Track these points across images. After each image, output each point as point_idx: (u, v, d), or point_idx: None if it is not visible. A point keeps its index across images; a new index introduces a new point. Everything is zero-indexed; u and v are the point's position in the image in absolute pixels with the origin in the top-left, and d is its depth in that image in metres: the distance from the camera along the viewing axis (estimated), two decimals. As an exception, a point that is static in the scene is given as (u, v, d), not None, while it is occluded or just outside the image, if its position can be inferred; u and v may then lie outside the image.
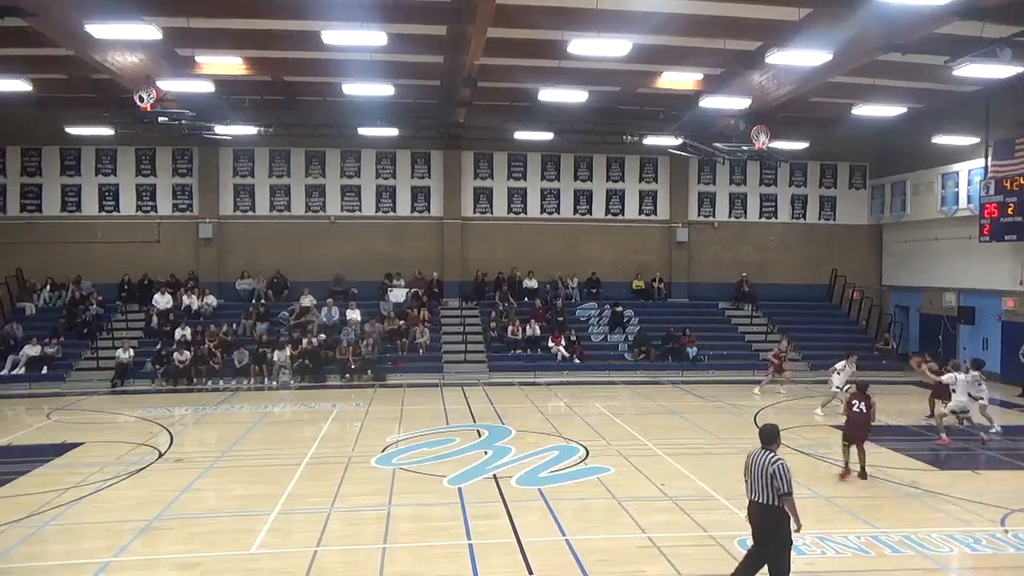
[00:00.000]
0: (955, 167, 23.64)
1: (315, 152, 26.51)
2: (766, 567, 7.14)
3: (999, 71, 15.90)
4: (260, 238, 26.29)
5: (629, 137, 24.33)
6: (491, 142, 26.09)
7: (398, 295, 25.62)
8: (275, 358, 21.74)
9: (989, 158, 21.55)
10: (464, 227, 27.01)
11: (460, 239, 26.93)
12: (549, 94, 19.81)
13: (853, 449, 11.85)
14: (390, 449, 13.73)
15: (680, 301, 27.33)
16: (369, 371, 22.12)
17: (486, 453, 13.34)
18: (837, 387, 17.16)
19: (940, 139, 23.02)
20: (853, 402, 12.01)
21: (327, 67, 20.27)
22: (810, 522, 7.68)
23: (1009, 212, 20.71)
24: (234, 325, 23.64)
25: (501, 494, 10.88)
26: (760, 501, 7.09)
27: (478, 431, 15.27)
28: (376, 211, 26.85)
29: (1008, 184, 20.72)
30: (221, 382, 21.39)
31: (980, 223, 21.80)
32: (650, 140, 24.19)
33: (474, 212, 27.16)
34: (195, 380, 21.34)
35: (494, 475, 11.86)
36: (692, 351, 24.02)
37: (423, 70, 20.98)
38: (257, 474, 12.08)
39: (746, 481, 7.33)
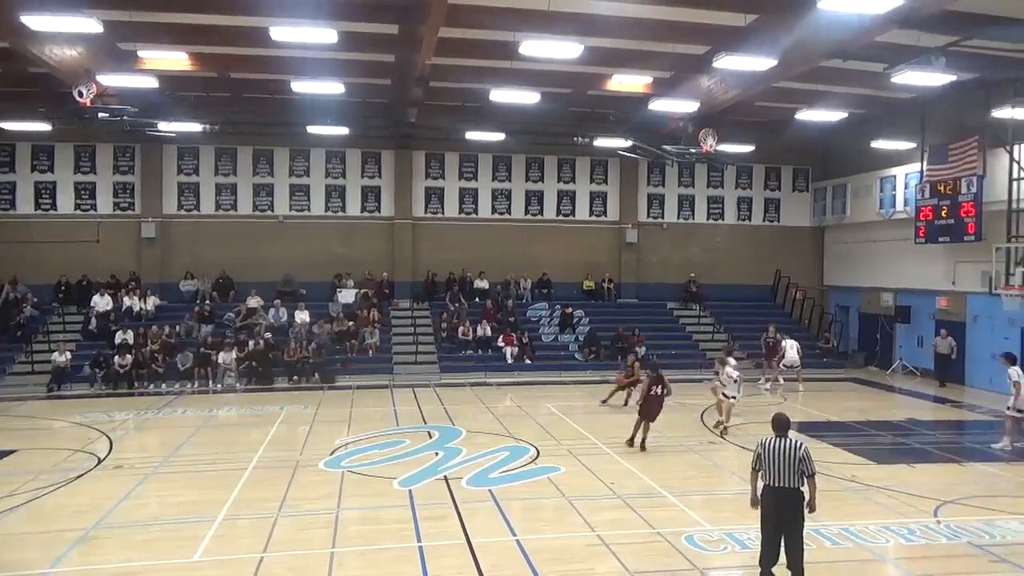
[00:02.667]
0: (893, 171, 24.46)
1: (263, 150, 26.05)
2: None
3: (934, 79, 16.56)
4: (205, 238, 25.70)
5: (580, 139, 24.55)
6: (443, 142, 26.02)
7: (348, 296, 25.35)
8: (220, 360, 21.27)
9: (924, 163, 22.37)
10: (415, 227, 26.87)
11: (411, 239, 26.79)
12: (501, 95, 19.84)
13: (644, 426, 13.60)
14: (339, 452, 13.57)
15: (629, 301, 27.66)
16: (317, 373, 21.82)
17: (437, 454, 13.29)
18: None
19: (879, 144, 23.79)
20: (653, 388, 13.65)
21: (276, 64, 19.93)
22: (755, 515, 7.84)
23: (943, 215, 21.53)
24: (177, 327, 23.04)
25: (452, 495, 10.85)
26: (784, 485, 7.45)
27: (428, 432, 15.20)
28: (326, 211, 26.52)
29: (942, 188, 21.53)
30: (164, 386, 20.84)
31: (916, 225, 22.61)
32: (600, 142, 24.44)
33: (425, 212, 27.04)
34: (136, 384, 20.75)
35: (445, 476, 11.82)
36: (641, 351, 24.26)
37: (374, 69, 20.79)
38: (201, 480, 11.81)
39: (762, 469, 7.61)
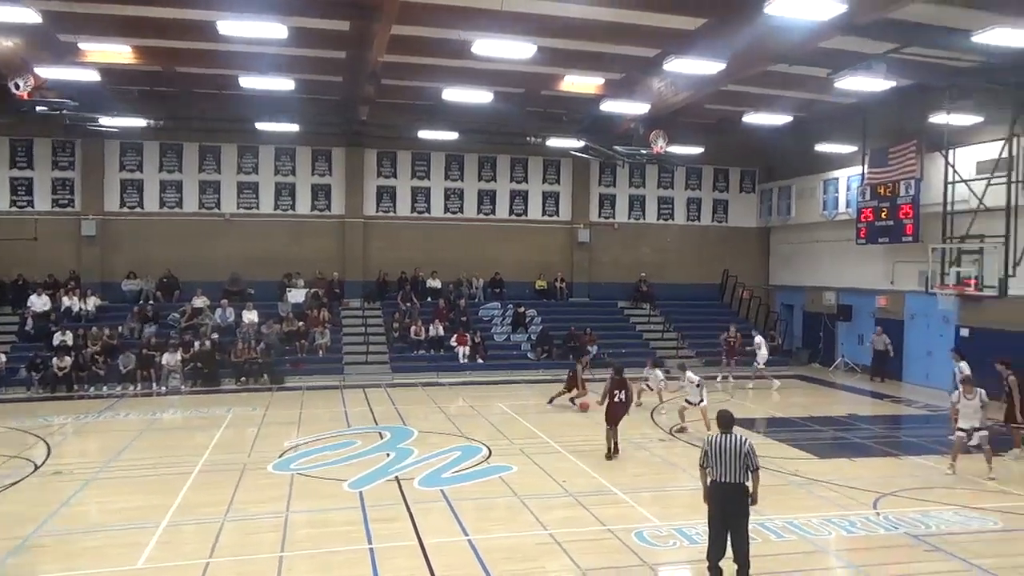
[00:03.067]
0: (836, 174, 25.17)
1: (210, 147, 25.46)
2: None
3: (874, 85, 17.10)
4: (149, 236, 24.99)
5: (532, 139, 24.67)
6: (395, 140, 25.83)
7: (297, 295, 24.96)
8: (164, 362, 20.73)
9: (865, 166, 23.06)
10: (366, 226, 26.62)
11: (362, 238, 26.52)
12: (453, 94, 19.80)
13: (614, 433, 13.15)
14: (288, 454, 13.36)
15: (581, 300, 27.88)
16: (266, 374, 21.44)
17: (388, 455, 13.20)
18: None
19: (822, 147, 24.45)
20: (614, 391, 13.16)
21: (223, 59, 19.54)
22: (704, 511, 8.00)
23: (882, 216, 22.24)
24: (119, 328, 22.39)
25: (403, 496, 10.79)
26: (730, 480, 7.65)
27: (380, 433, 15.08)
28: (275, 209, 26.07)
29: (882, 190, 22.24)
30: (105, 388, 20.23)
31: (857, 226, 23.30)
32: (553, 142, 24.59)
33: (377, 211, 26.81)
34: (76, 387, 20.09)
35: (396, 477, 11.75)
36: (593, 349, 24.52)
37: (325, 65, 20.54)
38: (144, 485, 11.50)
39: (710, 465, 7.78)
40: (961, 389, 12.53)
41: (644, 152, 23.48)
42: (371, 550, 8.77)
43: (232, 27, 14.76)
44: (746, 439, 7.75)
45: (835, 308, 25.62)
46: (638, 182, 28.90)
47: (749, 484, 7.71)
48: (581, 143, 24.63)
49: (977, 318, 19.90)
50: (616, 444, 13.26)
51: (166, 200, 25.29)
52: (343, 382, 21.61)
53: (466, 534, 9.28)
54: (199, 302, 23.63)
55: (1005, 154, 17.37)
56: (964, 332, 20.47)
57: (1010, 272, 16.94)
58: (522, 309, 26.06)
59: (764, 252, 29.92)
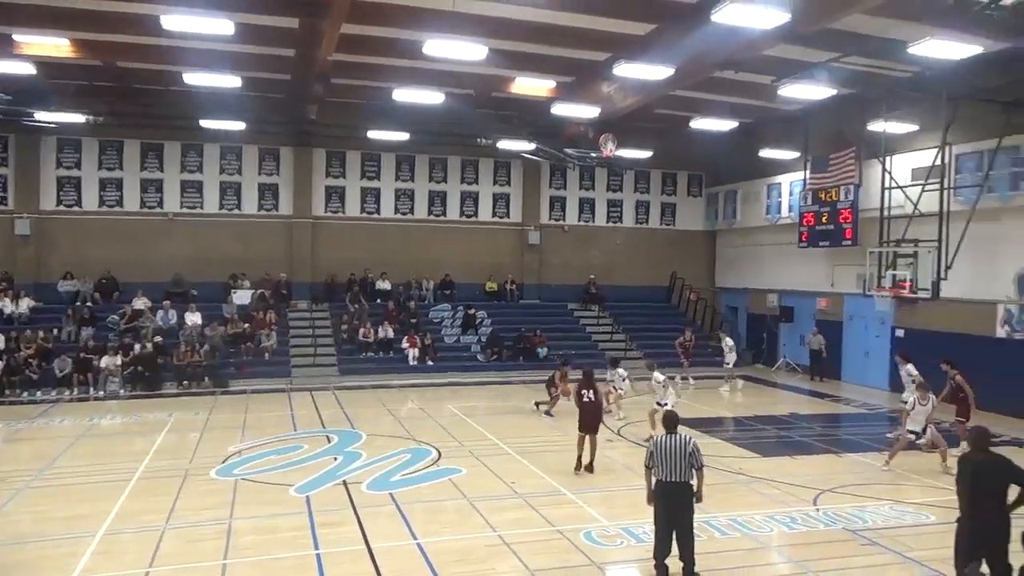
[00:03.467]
0: (779, 179, 25.80)
1: (152, 144, 24.75)
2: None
3: (816, 92, 17.64)
4: (87, 235, 24.17)
5: (483, 140, 24.66)
6: (344, 140, 25.54)
7: (243, 297, 24.44)
8: (103, 365, 20.08)
9: (807, 171, 23.69)
10: (315, 227, 26.24)
11: (310, 239, 26.13)
12: (404, 94, 19.64)
13: (588, 440, 12.29)
14: (232, 459, 13.08)
15: (531, 302, 27.98)
16: (209, 377, 20.94)
17: (335, 459, 13.04)
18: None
19: (766, 152, 25.03)
20: (582, 392, 12.39)
21: (167, 54, 19.01)
22: (650, 511, 8.11)
23: (823, 221, 22.88)
24: (55, 330, 21.60)
25: (351, 500, 10.67)
26: (676, 480, 7.82)
27: (327, 437, 14.88)
28: (220, 208, 25.49)
29: (823, 196, 22.89)
30: (39, 393, 19.48)
31: (799, 230, 23.93)
32: (504, 144, 24.63)
33: (325, 211, 26.46)
34: (8, 392, 19.32)
35: (344, 481, 11.61)
36: (542, 351, 24.67)
37: (273, 63, 20.18)
38: (80, 493, 11.12)
39: (656, 465, 7.92)
40: (917, 395, 12.96)
41: (594, 155, 23.70)
42: (318, 556, 8.65)
43: (177, 22, 14.37)
44: (690, 439, 7.96)
45: (778, 310, 26.26)
46: (588, 185, 29.16)
47: (694, 483, 7.88)
48: (532, 145, 24.73)
49: (912, 319, 20.65)
50: (590, 457, 12.23)
51: (106, 199, 24.50)
52: (290, 385, 21.25)
53: (415, 537, 9.22)
54: (140, 303, 22.93)
55: (938, 161, 18.03)
56: (899, 333, 21.22)
57: (942, 275, 17.57)
58: (472, 311, 26.03)
59: (710, 255, 30.48)
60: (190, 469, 12.37)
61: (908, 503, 10.88)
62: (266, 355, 22.69)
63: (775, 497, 11.15)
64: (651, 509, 8.07)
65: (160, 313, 22.86)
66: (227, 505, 10.47)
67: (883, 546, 9.14)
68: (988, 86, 17.06)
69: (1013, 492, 6.93)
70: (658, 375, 15.32)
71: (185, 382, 20.69)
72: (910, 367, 15.53)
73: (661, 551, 7.88)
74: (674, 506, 7.85)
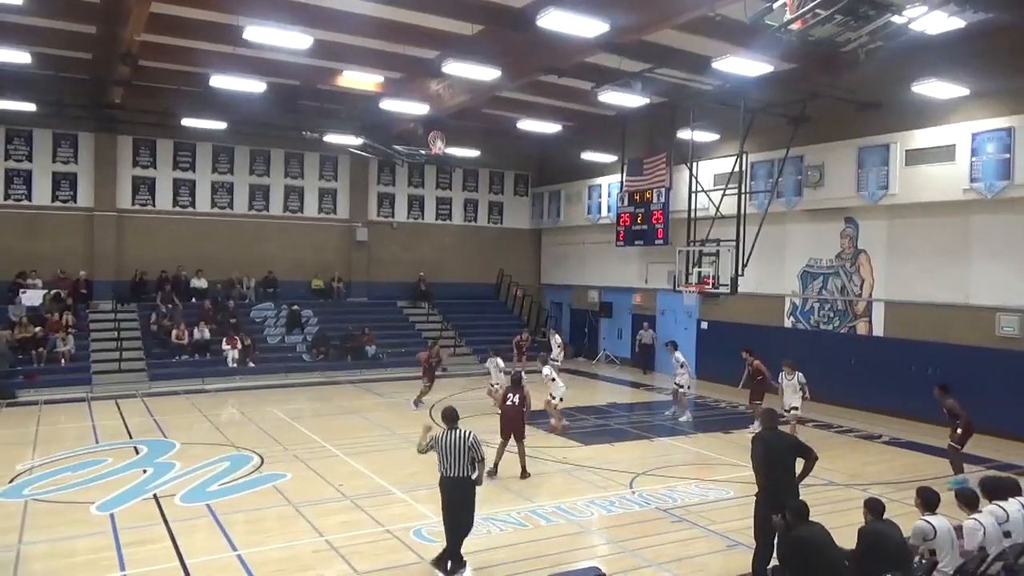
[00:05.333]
0: (599, 180, 27.15)
1: (-85, 123, 21.66)
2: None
3: (632, 100, 18.71)
4: None
5: (308, 133, 23.82)
6: (154, 127, 23.66)
7: (34, 297, 21.95)
8: None
9: (624, 174, 25.12)
10: (120, 220, 24.11)
11: (115, 234, 23.97)
12: (222, 81, 18.51)
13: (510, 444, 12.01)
14: (22, 478, 11.75)
15: (359, 300, 27.48)
16: (-7, 387, 18.67)
17: (145, 471, 12.09)
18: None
19: (588, 155, 26.22)
20: (508, 395, 12.25)
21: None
22: (478, 504, 8.26)
23: (638, 221, 24.37)
24: None
25: (163, 515, 9.94)
26: (457, 475, 7.96)
27: (135, 448, 13.75)
28: (5, 199, 22.73)
29: (637, 197, 24.37)
30: None
31: (616, 230, 25.32)
32: (330, 138, 23.93)
33: (133, 204, 24.37)
34: None
35: (154, 495, 10.79)
36: (371, 349, 24.32)
37: (71, 40, 18.27)
38: None
39: (440, 460, 8.01)
40: (784, 371, 14.57)
41: (423, 152, 23.67)
42: (124, 577, 8.00)
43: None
44: (470, 433, 8.14)
45: (598, 305, 27.66)
46: (417, 182, 29.08)
47: (475, 474, 8.15)
48: (360, 140, 24.26)
49: (715, 313, 22.56)
50: (520, 463, 11.86)
51: None
52: (90, 394, 19.40)
53: (235, 549, 8.77)
54: (-98, 305, 19.98)
55: (737, 168, 19.78)
56: (704, 325, 23.13)
57: (740, 272, 19.31)
58: (297, 309, 25.12)
59: (536, 252, 31.47)
60: (-32, 492, 10.96)
61: (710, 481, 11.87)
62: (62, 361, 20.56)
63: (595, 483, 11.75)
64: (486, 501, 8.21)
65: (-72, 316, 20.05)
66: (15, 530, 9.39)
67: (690, 521, 9.92)
68: (778, 101, 19.00)
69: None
70: (546, 370, 15.53)
71: (-39, 394, 18.28)
72: (677, 355, 17.34)
73: (451, 544, 8.15)
74: (456, 500, 8.05)
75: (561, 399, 15.40)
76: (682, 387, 17.03)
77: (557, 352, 22.06)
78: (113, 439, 14.53)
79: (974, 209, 16.27)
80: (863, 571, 6.46)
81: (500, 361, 17.85)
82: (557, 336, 23.42)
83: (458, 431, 8.09)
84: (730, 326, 21.67)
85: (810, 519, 6.67)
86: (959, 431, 11.81)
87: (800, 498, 7.13)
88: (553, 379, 15.39)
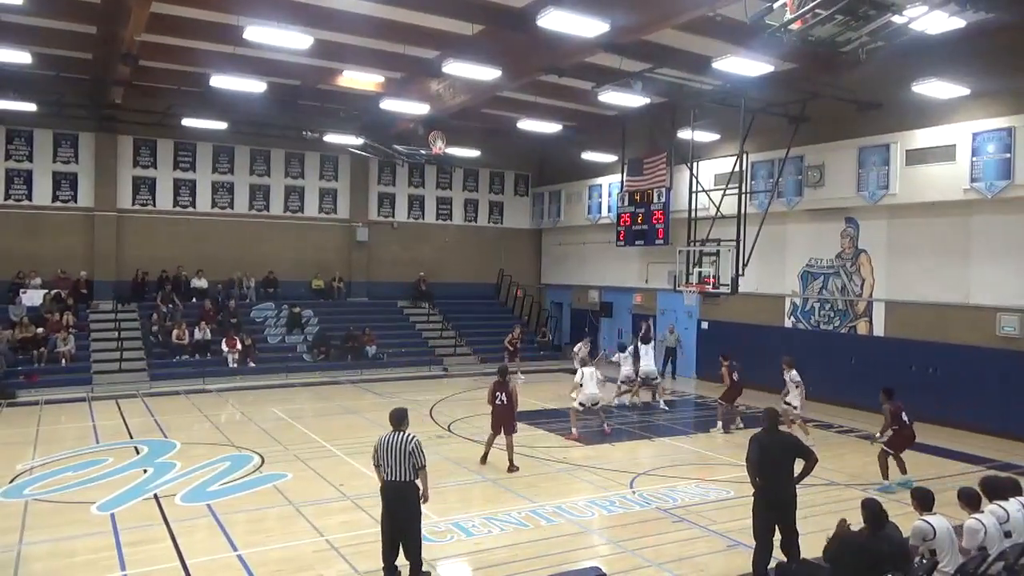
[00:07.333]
0: (599, 180, 27.14)
1: (-84, 123, 21.66)
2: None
3: (632, 100, 18.70)
4: None
5: (309, 133, 23.83)
6: (155, 128, 23.62)
7: (34, 297, 21.97)
8: None
9: (624, 174, 25.12)
10: (120, 220, 24.10)
11: (115, 234, 23.96)
12: (222, 81, 18.51)
13: (499, 439, 12.33)
14: (23, 478, 11.75)
15: (360, 300, 27.46)
16: (-7, 387, 18.67)
17: (145, 471, 12.09)
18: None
19: (588, 155, 26.21)
20: (497, 393, 12.38)
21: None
22: (479, 504, 8.26)
23: (639, 221, 24.36)
24: None
25: (163, 515, 9.94)
26: (399, 479, 7.60)
27: (136, 448, 13.75)
28: (6, 199, 22.72)
29: (638, 197, 24.36)
30: None
31: (617, 230, 25.31)
32: (331, 138, 23.94)
33: (133, 204, 24.36)
34: None
35: (155, 495, 10.79)
36: (371, 349, 24.32)
37: (72, 40, 18.26)
38: None
39: (379, 464, 7.75)
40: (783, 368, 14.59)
41: (423, 152, 23.67)
42: (124, 577, 8.00)
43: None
44: (412, 437, 7.73)
45: (598, 305, 27.66)
46: (417, 182, 29.07)
47: (420, 483, 7.70)
48: (360, 140, 24.26)
49: (715, 313, 22.55)
50: (508, 458, 12.21)
51: None
52: (91, 394, 19.41)
53: (235, 549, 8.77)
54: (-98, 306, 19.99)
55: (737, 168, 19.77)
56: (705, 325, 23.11)
57: (740, 272, 19.30)
58: (297, 309, 25.12)
59: (536, 252, 31.46)
60: (-31, 492, 10.97)
61: (710, 481, 11.87)
62: (63, 361, 20.57)
63: (596, 483, 11.74)
64: (484, 501, 8.19)
65: (-71, 316, 20.05)
66: (15, 530, 9.38)
67: (691, 521, 9.92)
68: (778, 101, 18.99)
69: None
70: (586, 371, 15.00)
71: (-39, 394, 18.29)
72: (621, 355, 17.74)
73: (387, 553, 7.65)
74: (397, 507, 7.60)
75: (581, 405, 14.84)
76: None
77: (628, 371, 18.59)
78: (113, 439, 14.54)
79: (975, 209, 16.27)
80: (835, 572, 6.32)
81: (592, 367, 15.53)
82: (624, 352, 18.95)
83: (401, 434, 7.69)
84: (731, 326, 21.68)
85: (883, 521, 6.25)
86: (884, 434, 11.69)
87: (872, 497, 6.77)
88: (580, 384, 14.77)
